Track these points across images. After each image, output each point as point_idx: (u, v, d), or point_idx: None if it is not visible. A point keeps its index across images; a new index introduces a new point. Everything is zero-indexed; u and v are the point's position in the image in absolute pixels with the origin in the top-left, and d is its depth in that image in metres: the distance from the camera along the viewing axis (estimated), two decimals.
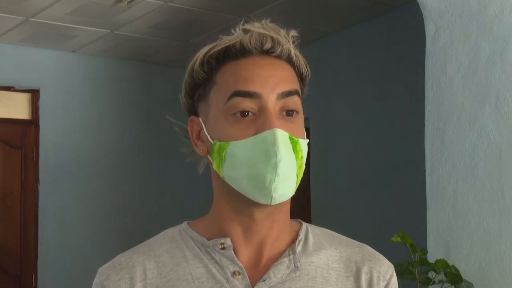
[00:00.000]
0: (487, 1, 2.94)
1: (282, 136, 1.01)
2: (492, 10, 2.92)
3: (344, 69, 5.52)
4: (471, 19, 2.99)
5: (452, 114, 3.05)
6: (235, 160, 1.03)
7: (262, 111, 1.03)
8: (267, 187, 1.01)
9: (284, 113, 1.04)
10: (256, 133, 1.02)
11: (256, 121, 1.03)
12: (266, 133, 1.01)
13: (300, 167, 1.04)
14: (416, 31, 4.20)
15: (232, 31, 1.08)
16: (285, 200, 1.05)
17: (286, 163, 1.01)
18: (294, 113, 1.05)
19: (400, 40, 5.05)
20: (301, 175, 1.05)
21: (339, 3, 4.88)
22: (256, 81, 1.04)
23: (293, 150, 1.03)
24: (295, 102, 1.05)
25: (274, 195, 1.01)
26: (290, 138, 1.03)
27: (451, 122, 3.05)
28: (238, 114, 1.03)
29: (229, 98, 1.04)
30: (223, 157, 1.04)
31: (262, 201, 1.03)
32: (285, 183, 1.02)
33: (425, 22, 3.18)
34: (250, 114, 1.03)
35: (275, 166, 1.00)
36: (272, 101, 1.03)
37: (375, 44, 5.30)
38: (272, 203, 1.02)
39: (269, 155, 1.00)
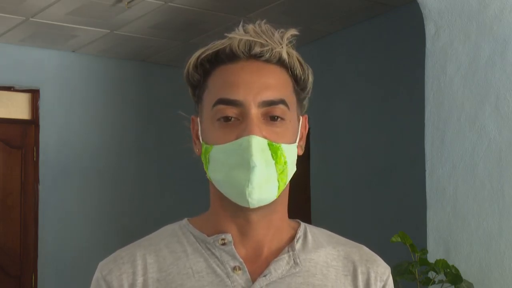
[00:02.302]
0: (487, 1, 2.94)
1: (257, 143, 1.02)
2: (492, 10, 2.92)
3: (344, 69, 5.52)
4: (471, 19, 2.99)
5: (452, 114, 3.05)
6: (217, 164, 1.05)
7: (244, 117, 1.04)
8: (242, 192, 1.03)
9: (269, 118, 1.05)
10: (236, 138, 1.03)
11: (239, 126, 1.04)
12: (242, 139, 1.03)
13: (282, 172, 1.05)
14: (416, 31, 4.19)
15: (236, 29, 1.09)
16: (265, 204, 1.06)
17: (260, 169, 1.02)
18: (279, 118, 1.05)
19: (400, 40, 5.05)
20: (284, 179, 1.06)
21: (339, 3, 4.88)
22: (240, 87, 1.05)
23: (272, 156, 1.03)
24: (281, 109, 1.05)
25: (249, 199, 1.03)
26: (269, 145, 1.03)
27: (451, 122, 3.05)
28: (222, 119, 1.05)
29: (214, 105, 1.05)
30: (208, 160, 1.07)
31: (243, 204, 1.04)
32: (261, 188, 1.03)
33: (425, 22, 3.18)
34: (233, 119, 1.04)
35: (248, 172, 1.02)
36: (254, 108, 1.04)
37: (375, 44, 5.30)
38: (251, 207, 1.04)
39: (244, 161, 1.02)
